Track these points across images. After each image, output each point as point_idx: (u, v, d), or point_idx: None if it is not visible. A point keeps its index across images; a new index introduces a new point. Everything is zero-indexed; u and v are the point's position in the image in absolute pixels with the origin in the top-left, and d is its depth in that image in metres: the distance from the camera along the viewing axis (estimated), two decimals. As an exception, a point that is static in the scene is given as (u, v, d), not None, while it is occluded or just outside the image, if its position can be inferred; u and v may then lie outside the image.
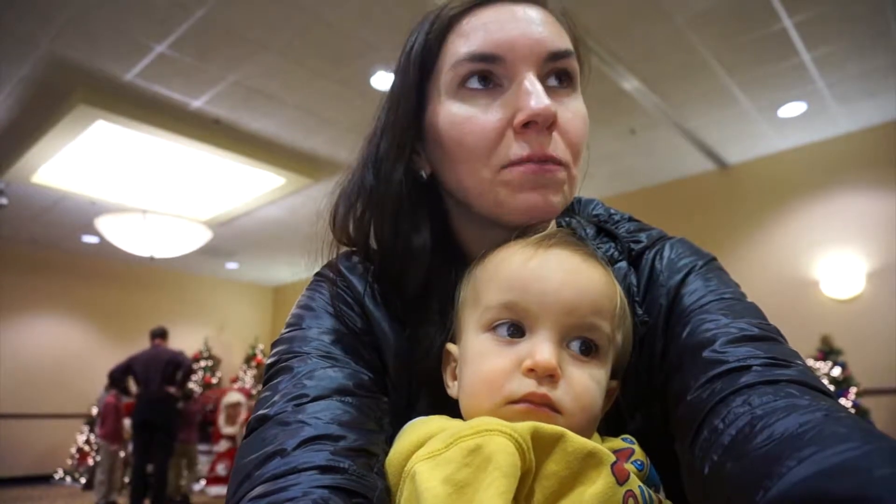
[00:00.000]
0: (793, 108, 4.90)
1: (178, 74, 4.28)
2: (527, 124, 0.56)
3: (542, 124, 0.56)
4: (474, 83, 0.59)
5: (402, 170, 0.64)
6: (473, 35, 0.59)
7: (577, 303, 0.52)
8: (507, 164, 0.57)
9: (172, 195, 6.25)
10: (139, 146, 5.17)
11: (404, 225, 0.64)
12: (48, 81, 4.31)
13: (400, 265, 0.64)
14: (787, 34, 3.92)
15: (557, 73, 0.60)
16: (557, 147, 0.58)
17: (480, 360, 0.53)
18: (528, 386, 0.49)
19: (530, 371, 0.49)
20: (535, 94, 0.56)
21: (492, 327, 0.53)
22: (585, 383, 0.51)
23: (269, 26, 3.77)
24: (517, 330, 0.52)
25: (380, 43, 3.88)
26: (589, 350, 0.53)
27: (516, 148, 0.57)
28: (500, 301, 0.53)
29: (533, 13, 0.61)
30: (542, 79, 0.59)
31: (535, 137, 0.57)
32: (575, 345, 0.52)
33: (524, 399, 0.49)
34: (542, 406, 0.49)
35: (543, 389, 0.49)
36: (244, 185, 6.08)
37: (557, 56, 0.59)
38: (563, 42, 0.60)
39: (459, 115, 0.59)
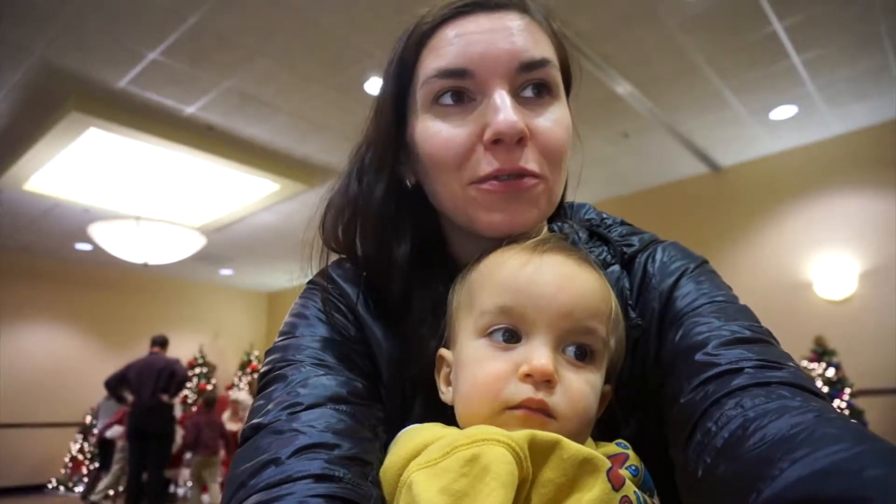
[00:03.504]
0: (784, 111, 4.94)
1: (171, 81, 4.27)
2: (496, 140, 0.56)
3: (510, 141, 0.56)
4: (447, 99, 0.59)
5: (384, 183, 0.65)
6: (444, 50, 0.59)
7: (573, 307, 0.52)
8: (477, 179, 0.58)
9: (166, 202, 6.23)
10: (132, 153, 5.15)
11: (387, 235, 0.64)
12: (41, 88, 4.30)
13: (383, 274, 0.64)
14: (778, 37, 3.95)
15: (533, 83, 0.59)
16: (530, 159, 0.57)
17: (476, 365, 0.52)
18: (526, 392, 0.49)
19: (527, 377, 0.49)
20: (503, 110, 0.56)
21: (487, 332, 0.53)
22: (581, 388, 0.51)
23: (262, 32, 3.78)
24: (513, 335, 0.52)
25: (374, 49, 3.89)
26: (584, 355, 0.53)
27: (485, 163, 0.57)
28: (496, 305, 0.53)
29: (507, 22, 0.59)
30: (516, 91, 0.59)
31: (505, 153, 0.57)
32: (570, 350, 0.52)
33: (521, 405, 0.49)
34: (539, 412, 0.49)
35: (540, 395, 0.49)
36: (238, 192, 6.07)
37: (531, 66, 0.58)
38: (538, 51, 0.59)
39: (431, 130, 0.60)
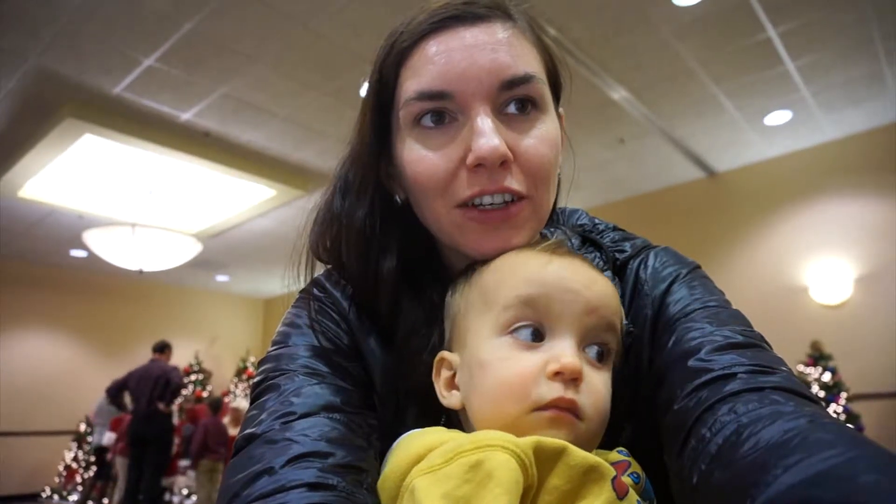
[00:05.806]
0: (779, 116, 4.96)
1: (166, 87, 4.27)
2: (478, 164, 0.56)
3: (492, 166, 0.55)
4: (428, 121, 0.58)
5: (366, 202, 0.64)
6: (423, 70, 0.58)
7: (599, 303, 0.53)
8: (461, 202, 0.57)
9: (161, 208, 6.22)
10: (128, 159, 5.15)
11: (371, 254, 0.64)
12: (36, 95, 4.29)
13: (370, 291, 0.64)
14: (772, 43, 3.97)
15: (516, 99, 0.58)
16: (514, 181, 0.57)
17: (503, 364, 0.51)
18: (556, 390, 0.49)
19: (556, 374, 0.49)
20: (484, 135, 0.55)
21: (510, 330, 0.53)
22: (602, 389, 0.52)
23: (257, 39, 3.78)
24: (537, 333, 0.52)
25: (369, 54, 3.87)
26: (602, 356, 0.53)
27: (468, 186, 0.57)
28: (520, 298, 0.52)
29: (488, 35, 0.57)
30: (499, 108, 0.58)
31: (488, 176, 0.56)
32: (591, 350, 0.53)
33: (552, 404, 0.49)
34: (567, 412, 0.49)
35: (570, 394, 0.49)
36: (234, 198, 6.06)
37: (514, 83, 0.57)
38: (521, 66, 0.57)
39: (415, 155, 0.59)
